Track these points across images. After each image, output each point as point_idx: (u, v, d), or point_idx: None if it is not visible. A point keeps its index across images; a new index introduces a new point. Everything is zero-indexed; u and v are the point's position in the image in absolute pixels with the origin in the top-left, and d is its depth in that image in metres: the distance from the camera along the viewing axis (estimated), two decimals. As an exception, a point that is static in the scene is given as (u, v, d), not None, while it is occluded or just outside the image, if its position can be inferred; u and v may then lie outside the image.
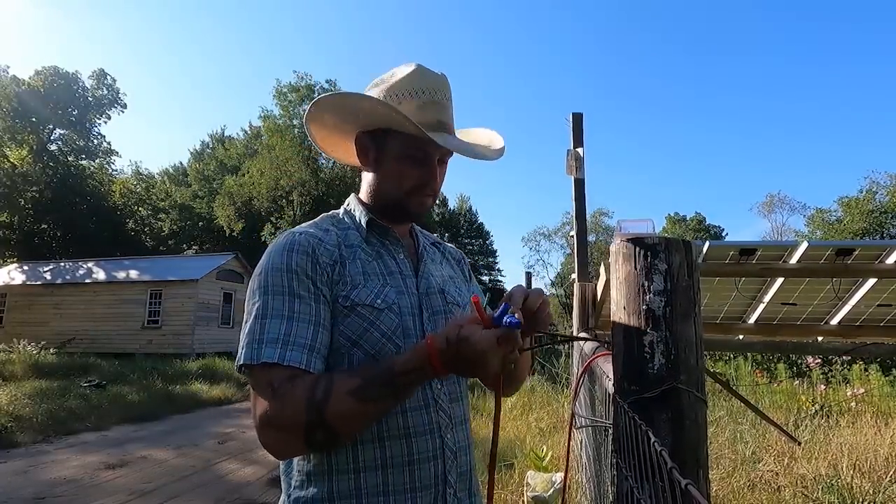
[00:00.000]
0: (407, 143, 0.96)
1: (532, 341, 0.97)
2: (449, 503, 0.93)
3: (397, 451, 0.90)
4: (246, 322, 0.88)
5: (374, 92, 0.99)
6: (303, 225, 1.00)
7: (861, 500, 3.34)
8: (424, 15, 73.76)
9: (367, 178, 1.05)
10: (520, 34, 71.93)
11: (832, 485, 3.52)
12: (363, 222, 1.01)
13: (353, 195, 1.08)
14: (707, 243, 3.28)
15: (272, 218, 28.69)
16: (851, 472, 3.74)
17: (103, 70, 29.57)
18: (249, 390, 0.88)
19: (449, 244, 1.25)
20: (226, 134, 39.02)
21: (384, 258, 1.00)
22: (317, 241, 0.93)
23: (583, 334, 3.02)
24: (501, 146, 1.06)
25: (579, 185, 3.69)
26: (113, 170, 32.42)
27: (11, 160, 26.15)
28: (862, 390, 6.78)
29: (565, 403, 6.50)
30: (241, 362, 0.85)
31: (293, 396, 0.80)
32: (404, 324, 0.94)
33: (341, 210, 1.07)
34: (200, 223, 35.22)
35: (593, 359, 1.39)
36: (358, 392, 0.80)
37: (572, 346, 3.78)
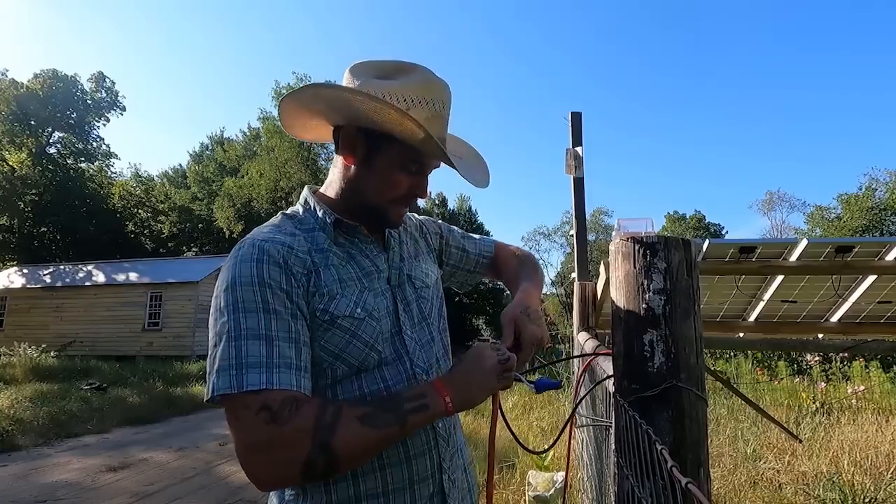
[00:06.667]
0: (406, 151, 0.89)
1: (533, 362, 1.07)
2: (446, 488, 0.94)
3: (393, 451, 0.88)
4: (215, 345, 0.78)
5: (375, 84, 0.88)
6: (264, 230, 0.90)
7: (862, 496, 3.34)
8: (423, 12, 73.80)
9: (345, 173, 0.95)
10: (520, 31, 71.95)
11: (833, 482, 3.52)
12: (329, 222, 0.93)
13: (307, 190, 1.00)
14: (707, 241, 3.28)
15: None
16: (852, 469, 3.75)
17: (102, 73, 29.45)
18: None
19: (406, 216, 1.14)
20: (225, 135, 38.97)
21: (357, 258, 0.94)
22: (287, 249, 0.85)
23: (585, 337, 3.02)
24: (488, 175, 1.09)
25: (578, 184, 3.68)
26: (112, 172, 32.33)
27: (10, 163, 26.09)
28: (862, 388, 6.77)
29: (566, 402, 6.49)
30: (220, 392, 0.74)
31: (298, 420, 0.74)
32: (382, 328, 0.91)
33: (299, 208, 0.98)
34: (200, 225, 35.16)
35: (594, 358, 1.39)
36: (366, 418, 0.77)
37: (573, 345, 3.78)
